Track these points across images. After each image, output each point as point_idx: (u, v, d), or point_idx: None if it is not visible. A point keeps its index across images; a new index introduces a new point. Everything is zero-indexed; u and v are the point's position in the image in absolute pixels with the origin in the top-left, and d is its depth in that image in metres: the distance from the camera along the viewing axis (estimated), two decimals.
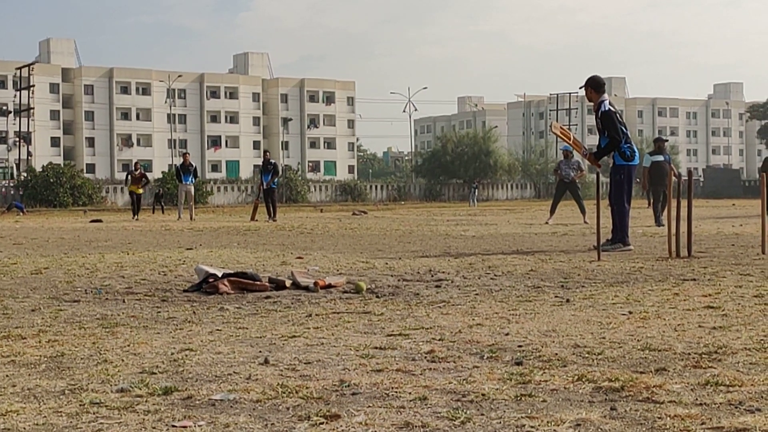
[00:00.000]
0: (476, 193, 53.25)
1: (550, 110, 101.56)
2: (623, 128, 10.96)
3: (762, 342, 4.15)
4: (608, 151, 10.97)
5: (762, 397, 3.09)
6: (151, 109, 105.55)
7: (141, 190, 29.28)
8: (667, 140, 20.42)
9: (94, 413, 3.02)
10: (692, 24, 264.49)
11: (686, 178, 9.94)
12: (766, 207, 10.10)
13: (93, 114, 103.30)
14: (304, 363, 3.85)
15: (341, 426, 2.82)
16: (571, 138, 11.69)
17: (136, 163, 31.27)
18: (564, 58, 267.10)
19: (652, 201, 19.52)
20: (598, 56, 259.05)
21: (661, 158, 18.53)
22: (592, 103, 11.27)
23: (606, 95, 11.10)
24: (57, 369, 3.80)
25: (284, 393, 3.26)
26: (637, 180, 15.73)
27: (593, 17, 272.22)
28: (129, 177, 29.90)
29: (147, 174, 32.73)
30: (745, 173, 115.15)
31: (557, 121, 58.60)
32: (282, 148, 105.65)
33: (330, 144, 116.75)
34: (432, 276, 7.67)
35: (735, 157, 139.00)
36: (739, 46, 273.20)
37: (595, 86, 11.07)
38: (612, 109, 10.97)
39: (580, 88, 11.31)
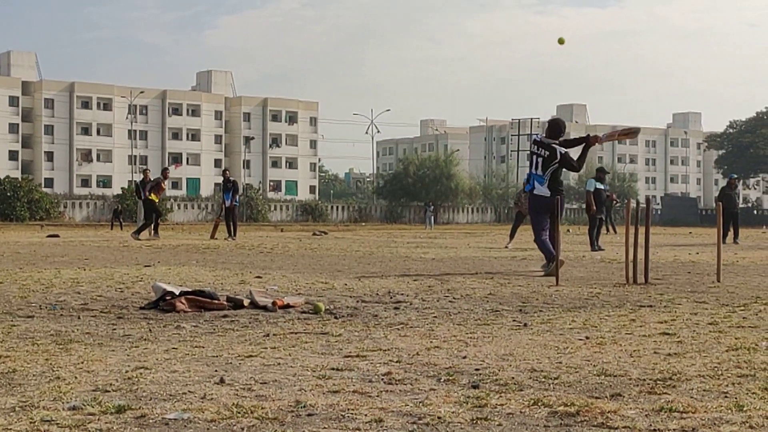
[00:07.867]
0: (432, 216, 52.96)
1: (512, 135, 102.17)
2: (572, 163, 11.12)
3: (716, 369, 4.19)
4: (579, 143, 11.26)
5: (715, 423, 3.11)
6: (112, 125, 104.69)
7: (156, 197, 24.11)
8: (608, 172, 21.34)
9: (45, 431, 2.97)
10: (652, 53, 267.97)
11: (644, 205, 10.04)
12: (722, 235, 10.24)
13: (53, 128, 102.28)
14: (260, 383, 3.83)
15: None
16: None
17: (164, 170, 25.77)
18: (525, 83, 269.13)
19: (588, 227, 19.91)
20: (560, 82, 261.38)
21: (602, 186, 19.42)
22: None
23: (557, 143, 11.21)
24: (8, 385, 3.74)
25: (239, 413, 3.24)
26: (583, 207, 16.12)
27: (554, 44, 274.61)
28: (157, 185, 24.16)
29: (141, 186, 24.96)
30: (702, 202, 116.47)
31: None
32: (244, 167, 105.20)
33: (292, 164, 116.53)
34: (391, 298, 7.66)
35: (693, 186, 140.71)
36: (698, 76, 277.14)
37: (551, 131, 11.22)
38: (563, 150, 11.07)
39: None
